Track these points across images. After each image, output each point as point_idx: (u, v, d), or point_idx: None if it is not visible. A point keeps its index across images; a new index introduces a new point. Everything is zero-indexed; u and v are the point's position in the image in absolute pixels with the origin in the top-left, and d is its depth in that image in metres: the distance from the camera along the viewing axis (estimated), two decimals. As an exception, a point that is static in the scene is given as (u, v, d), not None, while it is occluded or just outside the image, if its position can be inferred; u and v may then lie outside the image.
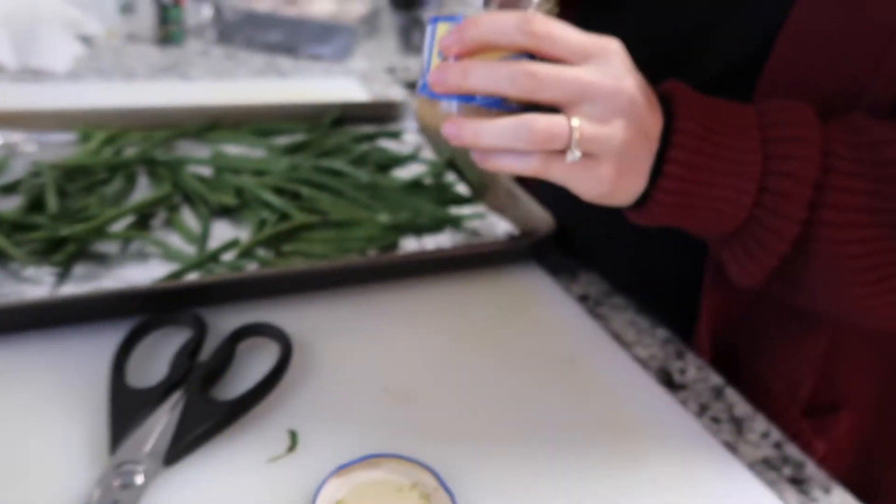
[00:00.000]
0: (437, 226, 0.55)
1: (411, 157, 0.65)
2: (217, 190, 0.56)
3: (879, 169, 0.38)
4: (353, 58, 1.04)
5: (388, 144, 0.70)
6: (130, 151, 0.61)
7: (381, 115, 0.76)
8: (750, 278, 0.42)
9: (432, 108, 0.36)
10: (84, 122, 0.64)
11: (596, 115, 0.34)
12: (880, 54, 0.40)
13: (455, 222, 0.56)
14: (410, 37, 1.16)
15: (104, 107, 0.65)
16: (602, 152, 0.35)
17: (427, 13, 1.15)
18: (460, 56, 0.35)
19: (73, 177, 0.56)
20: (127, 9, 0.98)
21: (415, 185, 0.60)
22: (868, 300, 0.41)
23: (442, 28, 0.35)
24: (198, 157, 0.60)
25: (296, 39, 1.02)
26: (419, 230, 0.55)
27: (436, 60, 0.35)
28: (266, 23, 1.02)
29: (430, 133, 0.69)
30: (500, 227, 0.58)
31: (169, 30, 0.99)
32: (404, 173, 0.63)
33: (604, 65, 0.35)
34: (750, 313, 0.49)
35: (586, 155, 0.35)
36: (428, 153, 0.69)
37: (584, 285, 0.55)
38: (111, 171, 0.57)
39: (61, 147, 0.62)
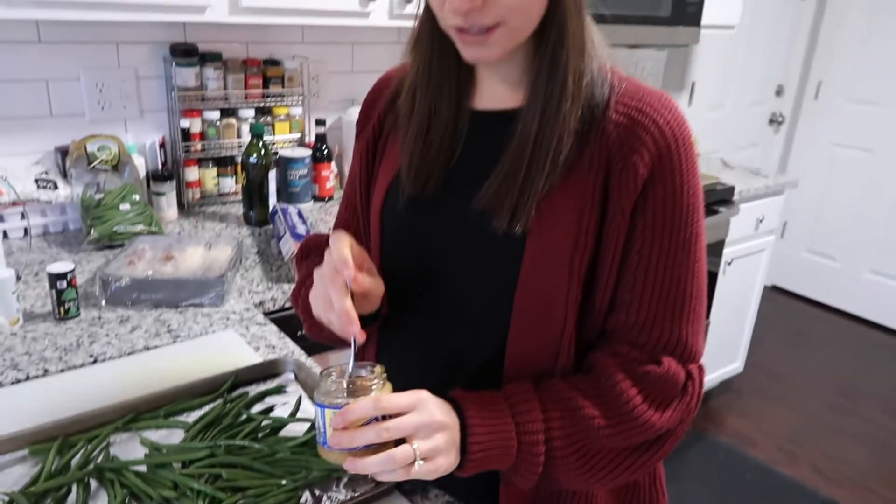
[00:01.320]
0: (324, 477, 0.78)
1: (293, 419, 0.88)
2: (157, 486, 0.75)
3: (578, 421, 0.68)
4: (228, 300, 1.27)
5: (275, 398, 0.93)
6: (78, 458, 0.79)
7: (267, 371, 0.99)
8: (526, 484, 0.70)
9: (332, 451, 0.63)
10: (31, 439, 0.82)
11: (426, 437, 0.62)
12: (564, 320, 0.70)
13: (338, 468, 0.80)
14: (271, 263, 1.41)
15: (45, 424, 0.83)
16: (434, 455, 0.62)
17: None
18: (346, 428, 0.61)
19: (42, 495, 0.74)
20: (22, 298, 1.15)
21: (303, 444, 0.83)
22: (592, 481, 0.70)
23: (328, 412, 0.62)
24: (135, 460, 0.79)
25: (177, 295, 1.23)
26: (313, 483, 0.77)
27: (330, 430, 0.62)
28: (149, 286, 1.22)
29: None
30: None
31: (66, 307, 1.16)
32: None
33: (422, 408, 0.62)
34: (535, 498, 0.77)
35: (425, 459, 0.62)
36: (306, 403, 0.92)
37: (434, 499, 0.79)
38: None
39: (16, 463, 0.79)
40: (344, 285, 0.66)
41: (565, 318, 0.70)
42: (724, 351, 2.71)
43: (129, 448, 0.84)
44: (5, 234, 1.49)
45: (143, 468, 0.79)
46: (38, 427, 0.83)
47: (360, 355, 0.89)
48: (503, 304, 0.72)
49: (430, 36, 0.73)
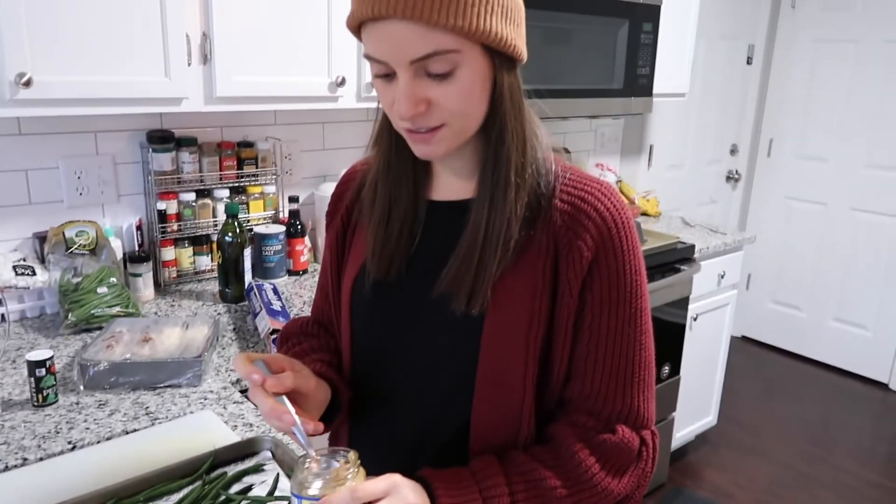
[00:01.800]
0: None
1: (271, 498, 0.91)
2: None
3: (541, 491, 0.73)
4: (205, 379, 1.30)
5: (253, 478, 0.96)
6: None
7: (245, 450, 1.02)
8: None
9: None
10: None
11: None
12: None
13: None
14: (247, 339, 1.45)
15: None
16: None
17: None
18: None
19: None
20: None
21: (281, 523, 0.86)
22: None
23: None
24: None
25: (155, 377, 1.26)
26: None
27: None
28: (127, 370, 1.25)
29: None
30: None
31: (44, 394, 1.19)
32: None
33: (396, 493, 0.66)
34: None
35: None
36: (284, 481, 0.95)
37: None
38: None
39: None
40: (263, 392, 0.71)
41: (524, 392, 0.76)
42: (697, 405, 2.76)
43: (109, 535, 0.86)
44: (-18, 322, 1.51)
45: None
46: (20, 518, 0.85)
47: (333, 440, 0.93)
48: (466, 383, 0.77)
49: (389, 134, 0.80)
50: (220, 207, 1.86)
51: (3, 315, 1.53)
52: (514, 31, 0.72)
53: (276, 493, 0.92)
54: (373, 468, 0.70)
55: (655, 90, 2.51)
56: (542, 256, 0.75)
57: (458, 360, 0.78)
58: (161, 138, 1.74)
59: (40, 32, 1.29)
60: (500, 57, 0.71)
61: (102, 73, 1.38)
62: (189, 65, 1.49)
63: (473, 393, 0.77)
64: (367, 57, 0.71)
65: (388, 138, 0.81)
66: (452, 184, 0.82)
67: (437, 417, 0.81)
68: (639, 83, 2.42)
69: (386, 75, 0.71)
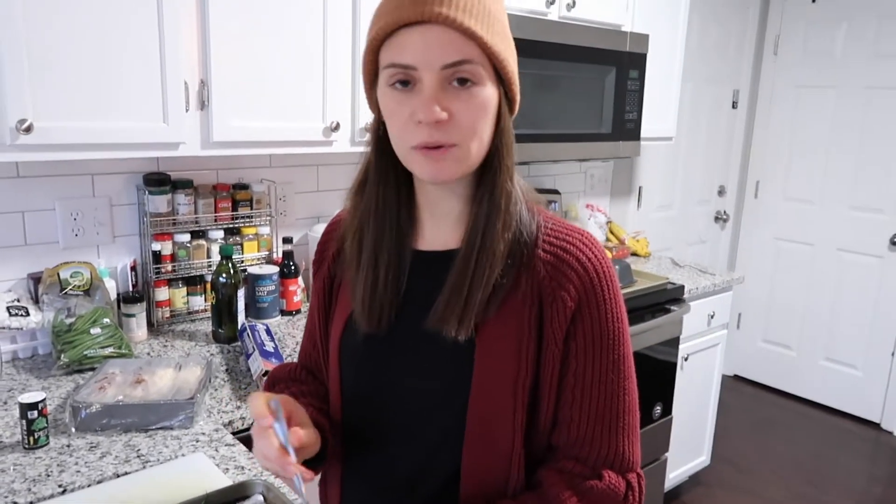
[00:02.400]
0: None
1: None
2: None
3: None
4: (197, 421, 1.30)
5: (243, 523, 0.96)
6: None
7: (236, 494, 1.02)
8: None
9: None
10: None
11: None
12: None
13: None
14: (240, 380, 1.45)
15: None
16: None
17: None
18: None
19: None
20: (-5, 427, 1.17)
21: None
22: None
23: None
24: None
25: (147, 419, 1.26)
26: None
27: None
28: (119, 412, 1.25)
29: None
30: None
31: (35, 437, 1.18)
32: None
33: None
34: None
35: None
36: (275, 524, 0.96)
37: None
38: None
39: None
40: (271, 436, 0.71)
41: (513, 437, 0.77)
42: (690, 445, 2.76)
43: (99, 581, 0.86)
44: (-26, 363, 1.51)
45: None
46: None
47: (324, 485, 0.94)
48: (456, 428, 0.78)
49: (376, 182, 0.82)
50: (215, 248, 1.88)
51: (-5, 356, 1.53)
52: (516, 75, 0.77)
53: (267, 538, 0.93)
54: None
55: (643, 134, 2.57)
56: (526, 305, 0.77)
57: (448, 405, 0.79)
58: (157, 181, 1.77)
59: (42, 79, 1.32)
60: (504, 90, 0.76)
61: (102, 118, 1.41)
62: (187, 111, 1.53)
63: (463, 438, 0.78)
64: (393, 65, 0.72)
65: (376, 185, 0.82)
66: (438, 233, 0.83)
67: (428, 463, 0.82)
68: (627, 128, 2.48)
69: (404, 83, 0.72)
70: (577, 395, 0.78)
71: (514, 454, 0.78)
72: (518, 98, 0.79)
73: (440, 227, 0.83)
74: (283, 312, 1.97)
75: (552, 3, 2.18)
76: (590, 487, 0.76)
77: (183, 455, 1.19)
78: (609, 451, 0.78)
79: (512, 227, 0.78)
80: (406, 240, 0.84)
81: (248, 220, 1.96)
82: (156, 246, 1.79)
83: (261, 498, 1.03)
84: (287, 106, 1.69)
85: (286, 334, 1.82)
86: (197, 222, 1.86)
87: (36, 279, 1.64)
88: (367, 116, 1.80)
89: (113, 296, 1.71)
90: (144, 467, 1.15)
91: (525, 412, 0.77)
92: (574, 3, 2.24)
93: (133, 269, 1.79)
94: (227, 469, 1.15)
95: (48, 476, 1.11)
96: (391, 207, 0.82)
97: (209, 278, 1.86)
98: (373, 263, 0.82)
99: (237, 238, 1.95)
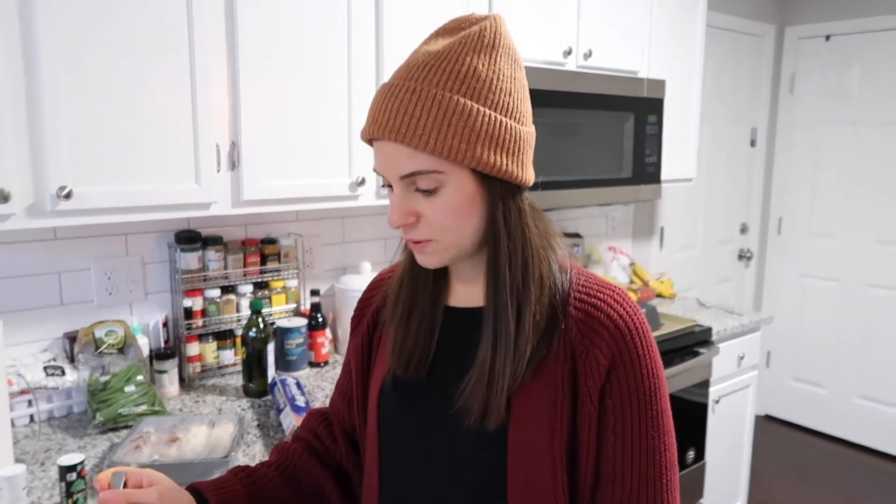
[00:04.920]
0: None
1: None
2: None
3: None
4: (231, 480, 1.30)
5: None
6: None
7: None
8: None
9: None
10: None
11: None
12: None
13: None
14: (271, 436, 1.46)
15: None
16: None
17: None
18: None
19: None
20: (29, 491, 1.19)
21: None
22: None
23: None
24: None
25: (182, 479, 1.26)
26: None
27: None
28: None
29: None
30: None
31: (75, 499, 1.20)
32: None
33: None
34: None
35: None
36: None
37: None
38: None
39: None
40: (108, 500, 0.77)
41: (556, 499, 0.77)
42: (725, 490, 2.69)
43: None
44: (12, 423, 1.53)
45: None
46: None
47: None
48: (496, 493, 0.78)
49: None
50: (244, 302, 1.90)
51: (32, 416, 1.56)
52: (508, 158, 0.75)
53: None
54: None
55: (663, 176, 2.59)
56: (559, 365, 0.78)
57: (485, 472, 0.79)
58: (188, 238, 1.81)
59: (82, 147, 1.38)
60: (492, 181, 0.76)
61: (138, 181, 1.46)
62: (218, 171, 1.58)
63: (506, 499, 0.78)
64: (375, 171, 0.79)
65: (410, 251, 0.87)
66: (465, 291, 0.86)
67: None
68: (647, 171, 2.50)
69: (390, 186, 0.78)
70: (619, 453, 0.78)
71: None
72: (522, 178, 0.78)
73: (466, 285, 0.86)
74: (312, 364, 1.98)
75: (569, 54, 2.23)
76: None
77: (218, 515, 1.19)
78: None
79: (532, 290, 0.78)
80: (439, 296, 0.87)
81: (276, 273, 1.99)
82: (187, 302, 1.82)
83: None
84: (314, 164, 1.73)
85: (315, 387, 1.83)
86: (227, 277, 1.89)
87: (71, 338, 1.67)
88: (391, 170, 1.84)
89: (146, 352, 1.73)
90: (181, 529, 1.15)
91: (566, 471, 0.77)
92: (591, 52, 2.29)
93: (165, 325, 1.82)
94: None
95: (87, 540, 1.12)
96: (423, 269, 0.85)
97: (239, 332, 1.88)
98: (406, 315, 0.86)
99: (265, 292, 1.98)
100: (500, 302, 0.78)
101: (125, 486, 0.80)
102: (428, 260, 0.80)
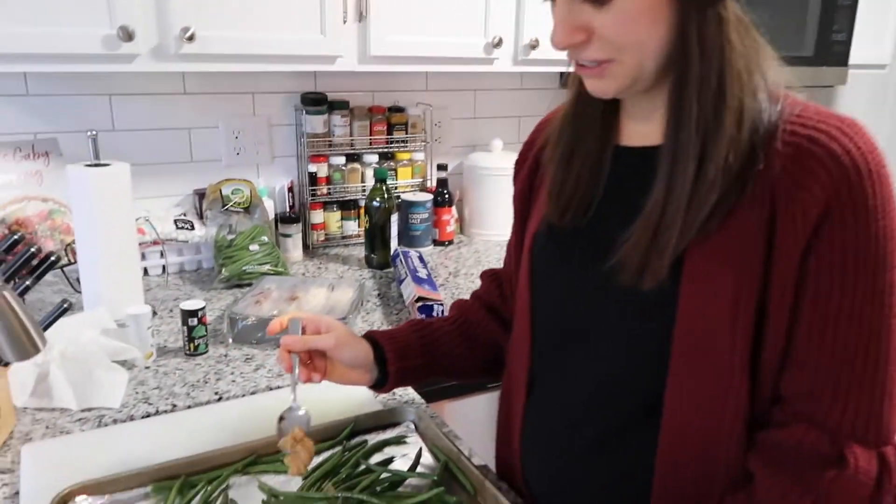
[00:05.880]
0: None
1: (413, 474, 0.83)
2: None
3: None
4: (348, 343, 1.25)
5: (395, 449, 0.89)
6: (198, 499, 0.78)
7: (387, 420, 0.95)
8: None
9: None
10: (155, 476, 0.82)
11: None
12: None
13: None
14: (391, 306, 1.39)
15: (168, 462, 0.83)
16: None
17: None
18: None
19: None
20: (156, 333, 1.19)
21: (422, 503, 0.77)
22: None
23: None
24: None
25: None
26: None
27: None
28: (275, 326, 1.23)
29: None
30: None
31: (195, 343, 1.19)
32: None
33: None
34: None
35: None
36: (427, 455, 0.88)
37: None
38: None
39: (140, 499, 0.79)
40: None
41: (731, 378, 0.62)
42: None
43: (247, 492, 0.82)
44: (146, 272, 1.57)
45: (259, 514, 0.77)
46: (162, 465, 0.83)
47: (506, 408, 0.86)
48: (656, 359, 0.64)
49: (576, 80, 0.72)
50: (369, 173, 1.82)
51: (164, 267, 1.59)
52: None
53: (419, 470, 0.84)
54: (541, 442, 0.59)
55: (851, 60, 2.19)
56: (754, 212, 0.60)
57: (647, 336, 0.65)
58: (314, 100, 1.73)
59: (206, -14, 1.30)
60: None
61: (261, 29, 1.37)
62: (344, 22, 1.45)
63: (666, 373, 0.64)
64: None
65: (575, 84, 0.73)
66: (639, 129, 0.70)
67: (621, 394, 0.69)
68: (833, 51, 2.12)
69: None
70: (816, 333, 0.60)
71: (731, 405, 0.62)
72: None
73: (642, 122, 0.70)
74: (436, 242, 1.89)
75: None
76: (828, 484, 0.59)
77: (333, 375, 1.14)
78: (858, 414, 0.59)
79: (726, 126, 0.60)
80: (608, 133, 0.72)
81: (402, 144, 1.88)
82: (312, 168, 1.76)
83: (412, 426, 0.96)
84: (447, 19, 1.57)
85: (438, 264, 1.74)
86: (352, 145, 1.81)
87: (201, 195, 1.67)
88: (531, 32, 1.64)
89: (271, 215, 1.71)
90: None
91: (749, 347, 0.61)
92: None
93: (290, 190, 1.78)
94: (377, 394, 1.08)
95: (205, 383, 1.11)
96: (590, 102, 0.71)
97: (363, 203, 1.81)
98: (568, 155, 0.73)
99: (391, 163, 1.89)
100: (682, 138, 0.61)
101: (303, 332, 0.81)
102: (602, 86, 0.65)
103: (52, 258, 0.83)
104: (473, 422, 1.47)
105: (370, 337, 0.86)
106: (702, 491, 0.65)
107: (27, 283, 0.79)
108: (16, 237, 0.79)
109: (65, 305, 0.83)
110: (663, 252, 0.62)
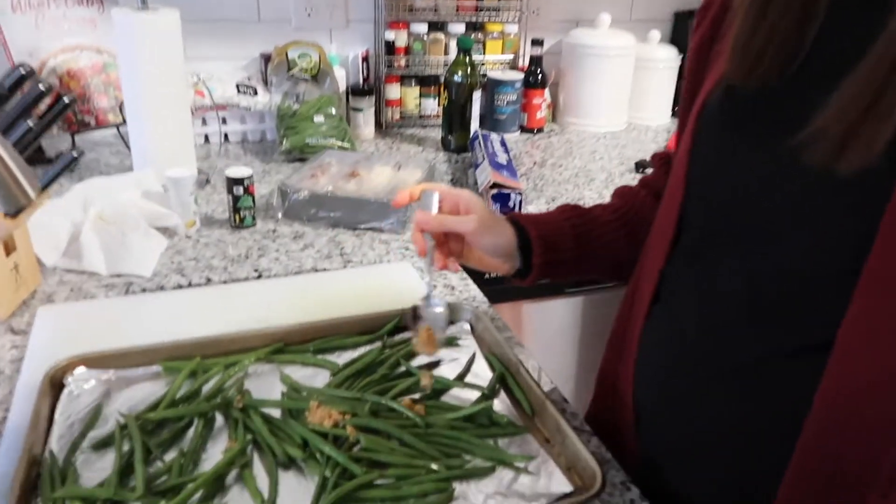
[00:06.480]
0: (487, 470, 0.58)
1: (460, 383, 0.68)
2: (285, 440, 0.60)
3: None
4: (409, 228, 1.10)
5: (443, 352, 0.74)
6: (210, 384, 0.67)
7: (435, 317, 0.80)
8: None
9: None
10: (167, 355, 0.71)
11: None
12: None
13: (506, 462, 0.59)
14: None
15: (183, 341, 0.72)
16: None
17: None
18: None
19: (159, 423, 0.62)
20: (202, 201, 1.08)
21: (468, 418, 0.63)
22: None
23: None
24: (269, 401, 0.66)
25: (356, 216, 1.09)
26: (471, 476, 0.57)
27: None
28: (328, 203, 1.09)
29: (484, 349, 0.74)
30: (550, 464, 0.60)
31: (241, 215, 1.07)
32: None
33: None
34: None
35: None
36: (481, 363, 0.72)
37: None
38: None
39: (149, 379, 0.69)
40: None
41: None
42: None
43: (266, 383, 0.70)
44: (206, 139, 1.46)
45: (276, 412, 0.65)
46: (178, 343, 0.72)
47: (623, 323, 0.69)
48: (841, 280, 0.45)
49: None
50: (453, 45, 1.61)
51: (226, 135, 1.47)
52: None
53: (468, 380, 0.70)
54: (660, 358, 0.51)
55: None
56: None
57: (836, 237, 0.46)
58: (397, -46, 1.51)
59: None
60: None
61: None
62: None
63: (851, 292, 0.44)
64: None
65: None
66: None
67: (783, 314, 0.50)
68: None
69: None
70: None
71: None
72: None
73: None
74: (523, 129, 1.68)
75: None
76: None
77: (388, 261, 1.00)
78: None
79: None
80: None
81: (494, 14, 1.64)
82: (390, 35, 1.57)
83: (468, 326, 0.80)
84: None
85: (523, 152, 1.54)
86: (436, 11, 1.59)
87: (267, 59, 1.52)
88: None
89: (342, 87, 1.54)
90: (345, 267, 0.98)
91: None
92: None
93: (365, 59, 1.60)
94: (436, 286, 0.93)
95: (246, 258, 0.99)
96: None
97: (443, 79, 1.62)
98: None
99: (479, 35, 1.66)
100: None
101: (439, 209, 0.69)
102: None
103: (66, 101, 0.70)
104: (551, 328, 1.32)
105: (514, 220, 0.72)
106: (865, 462, 0.46)
107: (29, 123, 0.66)
108: (23, 72, 0.66)
109: (73, 155, 0.71)
110: (885, 118, 0.41)
